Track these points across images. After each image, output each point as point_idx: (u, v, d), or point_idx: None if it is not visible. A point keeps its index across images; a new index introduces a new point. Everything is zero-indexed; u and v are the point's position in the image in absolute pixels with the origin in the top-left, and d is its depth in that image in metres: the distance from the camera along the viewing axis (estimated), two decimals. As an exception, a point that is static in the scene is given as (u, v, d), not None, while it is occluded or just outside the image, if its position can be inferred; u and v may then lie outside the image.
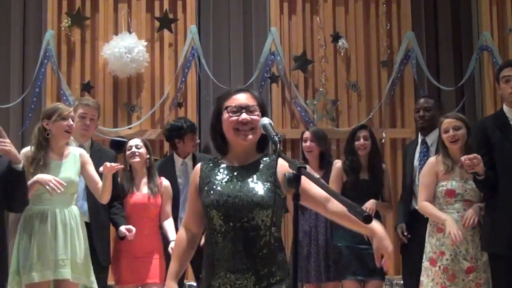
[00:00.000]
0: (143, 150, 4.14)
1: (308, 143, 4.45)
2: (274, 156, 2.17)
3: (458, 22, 5.90)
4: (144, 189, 4.13)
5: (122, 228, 3.89)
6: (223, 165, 2.26)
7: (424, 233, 3.89)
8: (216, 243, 2.17)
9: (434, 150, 4.24)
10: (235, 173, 2.22)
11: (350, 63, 5.64)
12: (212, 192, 2.19)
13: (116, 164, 3.66)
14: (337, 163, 4.36)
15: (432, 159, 3.92)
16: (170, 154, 4.79)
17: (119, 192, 4.09)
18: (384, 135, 5.44)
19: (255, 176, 2.19)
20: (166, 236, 4.11)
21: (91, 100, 4.24)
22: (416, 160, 4.37)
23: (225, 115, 2.22)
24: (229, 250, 2.13)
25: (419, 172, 4.14)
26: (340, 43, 5.60)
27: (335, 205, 2.14)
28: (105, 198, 3.68)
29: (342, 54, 5.61)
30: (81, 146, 3.99)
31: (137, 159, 4.11)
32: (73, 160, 3.60)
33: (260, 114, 2.22)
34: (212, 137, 2.30)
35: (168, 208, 4.21)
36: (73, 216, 3.53)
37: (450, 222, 3.62)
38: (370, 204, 4.17)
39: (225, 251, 2.14)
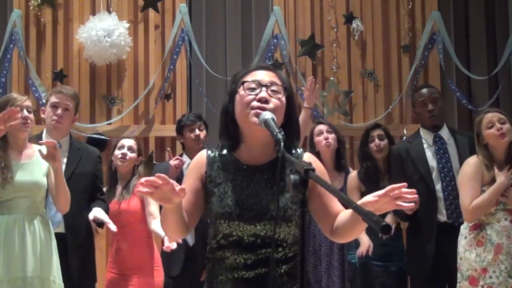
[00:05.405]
0: (134, 155, 3.98)
1: (325, 135, 4.15)
2: (299, 151, 2.08)
3: (491, 0, 5.76)
4: (117, 195, 3.99)
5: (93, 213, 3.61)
6: (233, 161, 2.05)
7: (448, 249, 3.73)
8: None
9: (452, 144, 4.04)
10: (249, 175, 2.03)
11: (366, 48, 5.54)
12: (222, 198, 2.00)
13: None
14: (353, 172, 4.20)
15: (473, 159, 3.65)
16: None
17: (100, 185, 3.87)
18: (405, 131, 5.14)
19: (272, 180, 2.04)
20: (157, 235, 3.84)
21: (66, 87, 4.00)
22: (432, 160, 4.05)
23: (240, 92, 2.02)
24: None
25: (441, 174, 3.95)
26: (354, 25, 5.47)
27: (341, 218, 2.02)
28: (61, 204, 3.37)
29: (356, 37, 5.49)
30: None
31: (126, 163, 3.96)
32: (39, 160, 3.36)
33: (284, 98, 2.02)
34: (222, 123, 2.09)
35: (152, 207, 3.87)
36: (44, 226, 3.35)
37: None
38: (390, 220, 4.02)
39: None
